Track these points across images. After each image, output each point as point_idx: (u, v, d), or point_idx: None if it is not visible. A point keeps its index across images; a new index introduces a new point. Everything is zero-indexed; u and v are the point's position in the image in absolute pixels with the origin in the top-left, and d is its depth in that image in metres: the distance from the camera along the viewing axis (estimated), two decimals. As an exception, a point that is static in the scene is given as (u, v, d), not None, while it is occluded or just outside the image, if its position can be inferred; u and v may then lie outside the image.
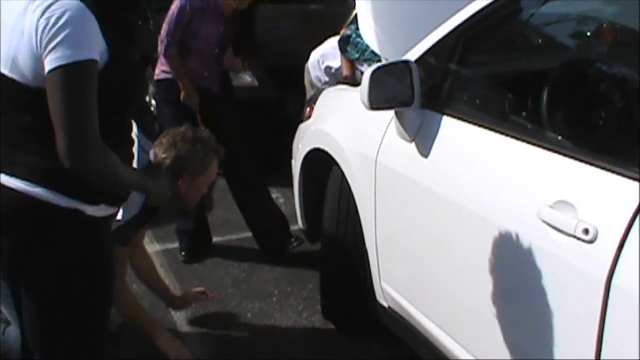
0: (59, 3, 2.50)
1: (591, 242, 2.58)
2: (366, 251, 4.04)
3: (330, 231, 4.42)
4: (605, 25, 4.15)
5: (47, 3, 2.50)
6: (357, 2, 4.38)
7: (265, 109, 7.36)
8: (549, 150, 2.88)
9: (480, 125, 3.26)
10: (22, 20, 2.54)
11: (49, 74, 2.48)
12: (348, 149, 4.15)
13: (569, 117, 3.23)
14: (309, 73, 6.55)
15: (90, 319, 2.94)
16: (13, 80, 2.60)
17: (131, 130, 2.96)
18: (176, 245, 5.80)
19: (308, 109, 5.00)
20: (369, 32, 4.20)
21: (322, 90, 5.24)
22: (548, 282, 2.76)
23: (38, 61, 2.51)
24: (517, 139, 3.05)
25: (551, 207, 2.73)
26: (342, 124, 4.32)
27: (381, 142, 3.78)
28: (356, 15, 5.71)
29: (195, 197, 4.08)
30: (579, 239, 2.61)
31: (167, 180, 3.09)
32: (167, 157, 3.86)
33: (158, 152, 3.88)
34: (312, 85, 6.45)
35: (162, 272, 5.43)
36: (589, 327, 2.56)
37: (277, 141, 6.26)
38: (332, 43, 6.27)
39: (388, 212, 3.81)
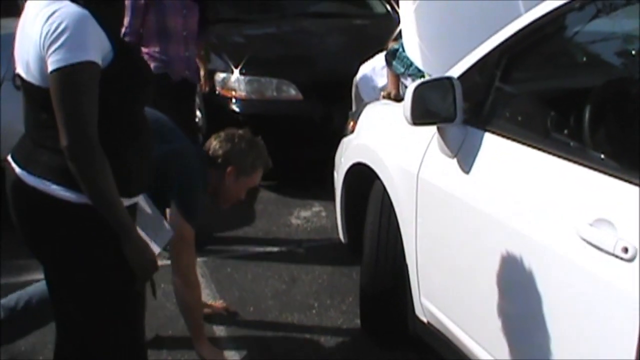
0: (61, 10, 2.69)
1: (630, 260, 2.58)
2: (406, 266, 4.05)
3: (370, 245, 4.43)
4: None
5: (51, 10, 2.69)
6: (401, 17, 4.40)
7: (309, 122, 7.39)
8: (590, 168, 2.89)
9: (521, 143, 3.27)
10: (31, 26, 2.74)
11: (50, 75, 2.67)
12: (390, 163, 4.16)
13: (611, 135, 3.23)
14: (357, 87, 6.57)
15: (116, 308, 3.03)
16: (29, 82, 2.80)
17: (145, 125, 3.03)
18: (217, 255, 5.84)
19: (351, 123, 5.02)
20: (413, 47, 4.23)
21: (366, 104, 5.26)
22: (587, 300, 2.77)
23: (44, 64, 2.69)
24: (559, 156, 3.05)
25: (591, 225, 2.74)
26: (385, 138, 4.33)
27: (423, 157, 3.80)
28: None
29: (232, 197, 4.42)
30: (617, 257, 2.61)
31: (148, 250, 3.04)
32: (222, 148, 4.30)
33: (213, 143, 4.31)
34: (360, 100, 6.47)
35: (202, 282, 5.46)
36: (627, 345, 2.56)
37: (320, 154, 6.28)
38: (381, 58, 6.28)
39: (429, 227, 3.82)
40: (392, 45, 6.02)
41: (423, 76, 5.34)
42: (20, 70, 2.85)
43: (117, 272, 2.96)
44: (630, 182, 2.69)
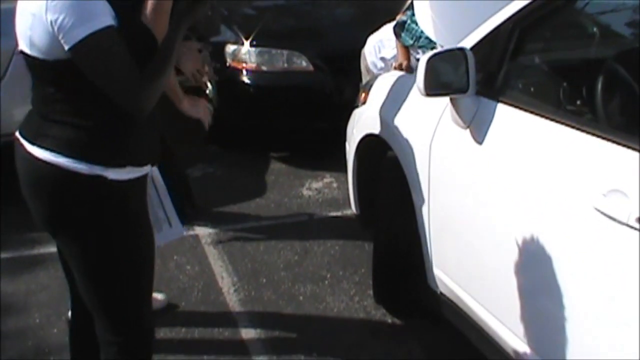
0: None
1: (644, 230, 2.59)
2: (419, 237, 4.07)
3: (383, 216, 4.45)
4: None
5: None
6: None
7: (320, 93, 7.39)
8: (603, 138, 2.89)
9: (534, 113, 3.27)
10: (31, 1, 2.71)
11: (71, 51, 2.66)
12: (402, 134, 4.16)
13: (623, 105, 3.23)
14: (365, 58, 6.55)
15: (130, 277, 3.07)
16: (33, 57, 2.78)
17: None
18: (229, 227, 5.87)
19: (362, 95, 5.02)
20: (425, 18, 4.22)
21: (377, 75, 5.26)
22: (601, 270, 2.78)
23: (53, 38, 2.67)
24: (571, 127, 3.05)
25: (604, 195, 2.74)
26: (397, 109, 4.33)
27: (435, 128, 3.80)
28: (412, 2, 5.73)
29: None
30: (631, 227, 2.62)
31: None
32: None
33: None
34: (368, 71, 6.45)
35: (215, 253, 5.51)
36: (640, 315, 2.58)
37: (331, 125, 6.29)
38: (388, 29, 6.26)
39: (441, 198, 3.83)
40: (400, 17, 6.00)
41: (434, 47, 5.33)
42: (23, 46, 2.83)
43: (132, 241, 3.00)
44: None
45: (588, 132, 2.97)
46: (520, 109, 3.36)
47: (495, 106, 3.47)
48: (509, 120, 3.41)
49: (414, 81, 3.58)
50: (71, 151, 2.81)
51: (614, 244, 2.71)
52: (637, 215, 2.60)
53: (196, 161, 7.17)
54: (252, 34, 7.45)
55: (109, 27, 2.68)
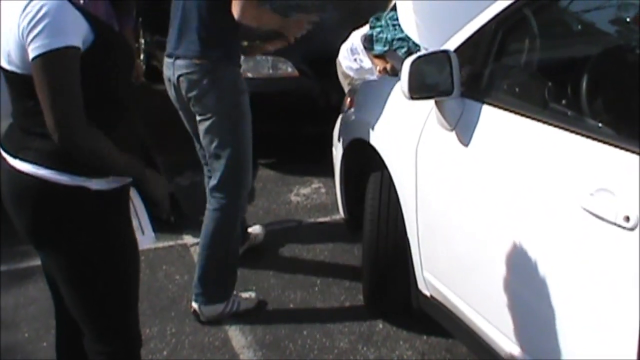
0: None
1: (632, 229, 2.58)
2: (408, 240, 4.06)
3: (371, 220, 4.43)
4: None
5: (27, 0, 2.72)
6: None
7: (306, 98, 7.37)
8: (589, 137, 2.88)
9: (520, 114, 3.26)
10: (11, 17, 2.75)
11: (32, 62, 2.69)
12: (388, 138, 4.16)
13: (609, 103, 3.22)
14: (340, 65, 6.57)
15: (116, 286, 3.07)
16: (12, 72, 2.83)
17: (131, 102, 3.06)
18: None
19: (348, 99, 5.01)
20: (408, 21, 4.21)
21: (360, 79, 5.26)
22: (590, 269, 2.77)
23: (25, 52, 2.72)
24: (557, 126, 3.05)
25: (592, 194, 2.74)
26: (382, 113, 4.32)
27: (421, 131, 3.79)
28: (374, 18, 5.77)
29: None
30: (619, 226, 2.61)
31: (163, 182, 3.11)
32: None
33: None
34: (345, 77, 6.46)
35: (205, 262, 5.48)
36: (630, 314, 2.57)
37: (318, 130, 6.28)
38: (358, 34, 6.31)
39: (429, 201, 3.82)
40: (365, 32, 6.07)
41: (409, 47, 5.35)
42: (2, 60, 2.87)
43: (116, 251, 2.99)
44: (630, 150, 2.69)
45: (574, 132, 2.96)
46: (506, 109, 3.35)
47: (481, 108, 3.46)
48: (494, 121, 3.40)
49: (399, 85, 3.57)
50: (53, 162, 2.81)
51: (603, 243, 2.71)
52: (625, 214, 2.59)
53: (183, 169, 7.15)
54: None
55: (71, 48, 2.70)
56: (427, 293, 4.00)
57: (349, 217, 5.18)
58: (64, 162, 2.79)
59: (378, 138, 4.29)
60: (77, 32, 2.73)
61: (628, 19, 4.18)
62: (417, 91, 3.49)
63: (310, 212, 6.44)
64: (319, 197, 6.72)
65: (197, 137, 4.91)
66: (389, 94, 4.30)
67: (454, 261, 3.71)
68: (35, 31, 2.66)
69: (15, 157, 2.89)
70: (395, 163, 4.07)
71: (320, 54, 7.38)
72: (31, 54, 2.68)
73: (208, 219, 4.84)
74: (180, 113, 4.98)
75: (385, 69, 5.71)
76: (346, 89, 6.16)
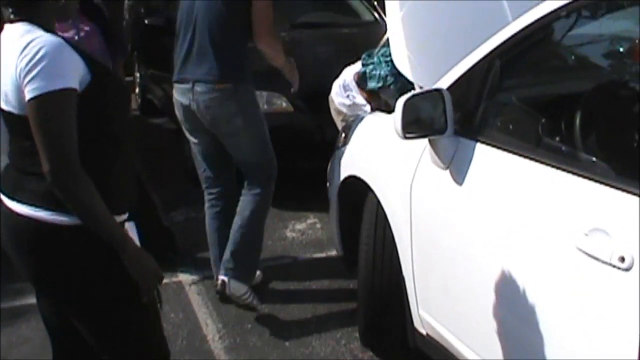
0: (36, 40, 2.74)
1: (627, 269, 2.56)
2: (403, 278, 4.03)
3: (366, 258, 4.41)
4: (638, 43, 4.14)
5: (26, 40, 2.75)
6: (388, 26, 4.37)
7: (301, 133, 7.37)
8: (583, 176, 2.87)
9: (513, 152, 3.25)
10: (8, 59, 2.79)
11: (28, 103, 2.71)
12: (383, 176, 4.15)
13: (603, 142, 3.21)
14: (333, 101, 6.57)
15: (132, 317, 3.07)
16: (9, 112, 2.85)
17: (126, 142, 3.07)
18: (212, 273, 5.81)
19: (342, 136, 5.00)
20: (401, 58, 4.20)
21: (353, 116, 5.26)
22: (585, 310, 2.75)
23: (22, 92, 2.73)
24: (551, 165, 3.04)
25: (586, 234, 2.72)
26: (376, 151, 4.31)
27: (415, 170, 3.78)
28: (368, 53, 5.78)
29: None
30: (614, 266, 2.60)
31: (148, 260, 2.99)
32: None
33: None
34: (339, 113, 6.46)
35: (198, 300, 5.48)
36: (627, 355, 2.54)
37: (313, 165, 6.26)
38: (350, 71, 6.31)
39: (424, 239, 3.80)
40: (358, 69, 6.07)
41: (402, 83, 5.34)
42: (1, 100, 2.88)
43: (121, 288, 2.95)
44: (624, 190, 2.68)
45: (568, 171, 2.95)
46: (500, 148, 3.34)
47: (474, 146, 3.45)
48: (488, 160, 3.39)
49: (392, 122, 3.56)
50: (50, 203, 2.81)
51: (598, 284, 2.69)
52: (620, 255, 2.57)
53: (178, 205, 7.14)
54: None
55: (68, 90, 2.72)
56: (423, 331, 3.97)
57: (344, 253, 5.15)
58: (61, 202, 2.77)
59: (372, 175, 4.28)
60: (74, 74, 2.76)
61: (621, 49, 4.19)
62: (411, 130, 3.48)
63: (305, 248, 6.42)
64: (314, 232, 6.71)
65: (207, 157, 5.31)
66: (382, 131, 4.29)
67: (450, 299, 3.69)
68: (33, 73, 2.68)
69: (12, 198, 2.90)
70: (390, 201, 4.06)
71: (314, 89, 7.38)
72: (27, 95, 2.70)
73: (245, 203, 5.30)
74: (191, 135, 5.30)
75: (379, 105, 5.70)
76: (339, 125, 6.16)
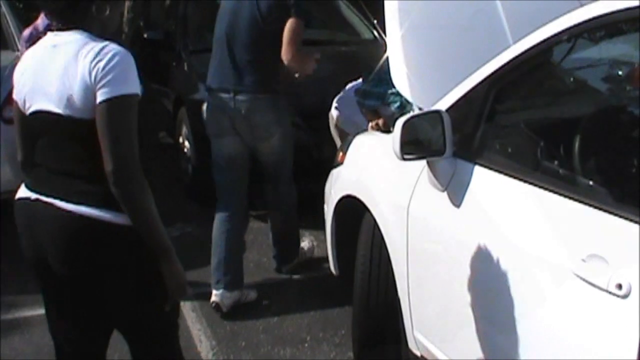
0: (108, 47, 2.95)
1: (625, 296, 2.55)
2: (398, 299, 4.02)
3: (362, 278, 4.40)
4: (637, 68, 4.13)
5: (97, 49, 2.94)
6: (388, 45, 4.37)
7: (298, 151, 7.35)
8: (582, 202, 2.86)
9: (512, 176, 3.24)
10: (74, 65, 2.94)
11: (99, 105, 2.88)
12: (380, 196, 4.14)
13: (602, 168, 3.20)
14: (333, 118, 6.56)
15: (169, 315, 3.28)
16: (68, 116, 2.96)
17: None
18: (208, 288, 5.78)
19: (340, 154, 4.99)
20: (400, 78, 4.19)
21: (355, 135, 5.25)
22: (582, 337, 2.74)
23: (91, 96, 2.89)
24: (550, 190, 3.03)
25: (583, 260, 2.71)
26: (374, 171, 4.31)
27: (413, 191, 3.77)
28: (374, 71, 5.79)
29: None
30: (612, 293, 2.58)
31: (183, 272, 3.15)
32: None
33: None
34: (338, 131, 6.46)
35: (193, 316, 5.46)
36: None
37: (310, 184, 6.25)
38: (352, 88, 6.31)
39: (420, 261, 3.79)
40: (359, 87, 6.07)
41: (401, 102, 5.34)
42: (49, 105, 2.99)
43: (162, 289, 3.10)
44: (622, 216, 2.67)
45: (566, 195, 2.94)
46: (498, 171, 3.33)
47: (473, 168, 3.44)
48: (486, 182, 3.38)
49: (391, 141, 3.55)
50: (103, 203, 2.96)
51: (595, 310, 2.68)
52: (617, 282, 2.56)
53: (174, 220, 7.12)
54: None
55: (135, 95, 2.94)
56: (418, 353, 3.95)
57: (340, 272, 5.14)
58: (115, 202, 2.92)
59: (369, 195, 4.27)
60: (138, 82, 2.98)
61: (621, 77, 4.18)
62: (409, 151, 3.48)
63: (301, 266, 6.38)
64: (310, 251, 6.67)
65: (229, 162, 5.71)
66: (380, 150, 4.28)
67: (445, 322, 3.68)
68: (108, 77, 2.88)
69: (63, 199, 2.99)
70: (387, 221, 4.04)
71: (313, 107, 7.38)
72: (100, 97, 2.87)
73: (278, 199, 6.09)
74: (219, 139, 5.72)
75: (377, 124, 5.69)
76: (338, 143, 6.15)
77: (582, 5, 3.22)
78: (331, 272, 5.30)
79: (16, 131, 3.26)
